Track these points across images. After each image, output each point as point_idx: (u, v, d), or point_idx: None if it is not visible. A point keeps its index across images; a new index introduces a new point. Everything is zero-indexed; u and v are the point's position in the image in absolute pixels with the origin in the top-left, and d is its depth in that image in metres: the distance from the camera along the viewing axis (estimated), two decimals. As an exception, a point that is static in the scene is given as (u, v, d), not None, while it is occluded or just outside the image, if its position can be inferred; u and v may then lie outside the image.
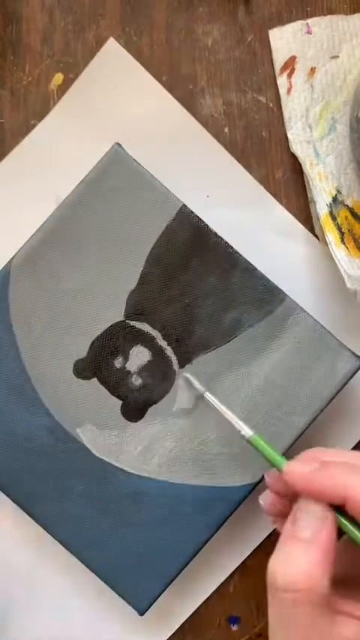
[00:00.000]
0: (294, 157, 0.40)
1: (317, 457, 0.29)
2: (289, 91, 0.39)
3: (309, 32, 0.39)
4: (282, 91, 0.39)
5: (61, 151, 0.40)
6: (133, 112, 0.39)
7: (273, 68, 0.40)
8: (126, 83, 0.39)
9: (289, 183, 0.40)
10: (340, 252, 0.38)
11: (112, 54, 0.39)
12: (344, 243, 0.38)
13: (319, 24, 0.39)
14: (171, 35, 0.40)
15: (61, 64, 0.40)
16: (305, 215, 0.40)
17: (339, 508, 0.28)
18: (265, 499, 0.31)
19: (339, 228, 0.38)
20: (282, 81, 0.39)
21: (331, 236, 0.38)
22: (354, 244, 0.39)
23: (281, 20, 0.40)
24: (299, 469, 0.28)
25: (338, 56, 0.39)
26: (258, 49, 0.40)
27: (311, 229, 0.40)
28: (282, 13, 0.40)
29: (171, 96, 0.39)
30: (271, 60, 0.40)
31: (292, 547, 0.27)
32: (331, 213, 0.38)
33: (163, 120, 0.39)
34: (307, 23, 0.39)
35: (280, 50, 0.39)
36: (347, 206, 0.39)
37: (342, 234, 0.38)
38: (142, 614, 0.36)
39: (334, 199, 0.39)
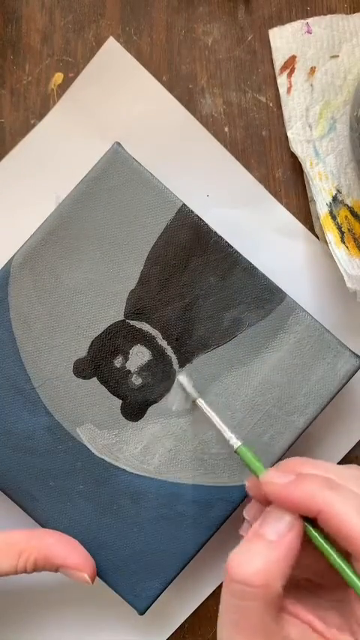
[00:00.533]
0: (294, 157, 0.40)
1: (296, 468, 0.29)
2: (289, 90, 0.39)
3: (309, 32, 0.39)
4: (282, 90, 0.39)
5: (60, 150, 0.40)
6: (133, 112, 0.39)
7: (273, 68, 0.40)
8: (126, 82, 0.39)
9: (289, 183, 0.40)
10: (340, 252, 0.38)
11: (112, 53, 0.39)
12: (344, 243, 0.38)
13: (319, 23, 0.39)
14: (171, 35, 0.40)
15: (61, 63, 0.40)
16: (305, 215, 0.40)
17: (309, 519, 0.28)
18: (249, 512, 0.32)
19: (339, 228, 0.38)
20: (282, 80, 0.39)
21: (331, 235, 0.38)
22: (354, 244, 0.39)
23: (281, 20, 0.40)
24: (276, 480, 0.29)
25: (338, 56, 0.39)
26: (258, 49, 0.40)
27: (311, 229, 0.40)
28: (282, 13, 0.40)
29: (171, 95, 0.39)
30: (271, 59, 0.40)
31: (255, 544, 0.27)
32: (331, 212, 0.38)
33: (163, 119, 0.39)
34: (307, 23, 0.39)
35: (280, 50, 0.39)
36: (347, 205, 0.39)
37: (342, 233, 0.38)
38: (142, 613, 0.36)
39: (334, 199, 0.39)
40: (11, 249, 0.37)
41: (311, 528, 0.28)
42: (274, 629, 0.27)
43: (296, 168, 0.40)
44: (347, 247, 0.38)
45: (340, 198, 0.39)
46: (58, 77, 0.40)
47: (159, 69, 0.40)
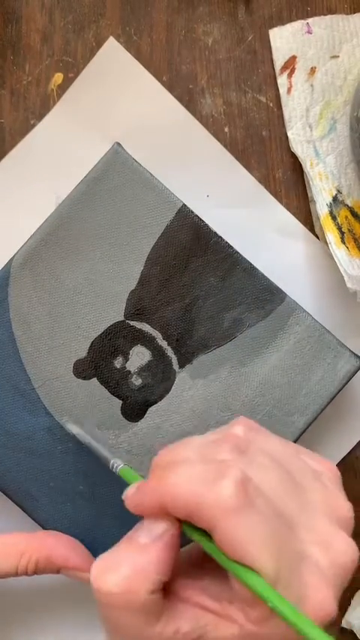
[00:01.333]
0: (294, 157, 0.40)
1: (154, 464, 0.27)
2: (289, 90, 0.39)
3: (309, 32, 0.39)
4: (282, 90, 0.39)
5: (60, 150, 0.40)
6: (133, 112, 0.39)
7: (273, 68, 0.40)
8: (126, 83, 0.39)
9: (289, 183, 0.40)
10: (340, 252, 0.38)
11: (112, 53, 0.39)
12: (344, 243, 0.38)
13: (320, 24, 0.39)
14: (171, 35, 0.40)
15: (61, 63, 0.40)
16: (305, 215, 0.40)
17: None
18: None
19: (339, 228, 0.38)
20: (282, 80, 0.39)
21: (331, 236, 0.38)
22: (354, 244, 0.39)
23: (281, 20, 0.40)
24: (128, 492, 0.27)
25: (338, 56, 0.39)
26: (258, 49, 0.40)
27: (311, 229, 0.40)
28: (282, 13, 0.40)
29: (171, 95, 0.39)
30: (271, 59, 0.40)
31: (119, 551, 0.25)
32: (331, 212, 0.38)
33: (163, 119, 0.39)
34: (308, 23, 0.39)
35: (280, 50, 0.39)
36: (347, 206, 0.39)
37: (342, 233, 0.38)
38: None
39: (335, 199, 0.39)
40: (11, 249, 0.37)
41: (188, 527, 0.26)
42: (155, 632, 0.25)
43: (296, 168, 0.40)
44: (347, 248, 0.38)
45: (341, 199, 0.39)
46: (58, 77, 0.40)
47: (159, 69, 0.40)
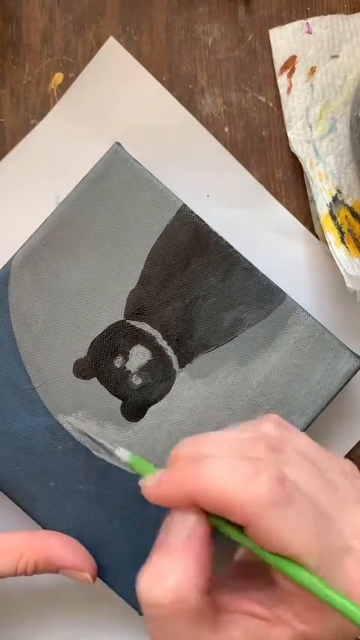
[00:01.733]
0: (294, 157, 0.40)
1: (176, 455, 0.27)
2: (289, 90, 0.39)
3: (309, 32, 0.39)
4: (282, 90, 0.39)
5: (60, 150, 0.40)
6: (132, 112, 0.39)
7: (273, 68, 0.40)
8: (126, 82, 0.39)
9: (289, 183, 0.40)
10: (340, 252, 0.38)
11: (112, 53, 0.39)
12: (344, 243, 0.38)
13: (320, 23, 0.39)
14: (171, 35, 0.40)
15: (61, 63, 0.40)
16: (305, 215, 0.40)
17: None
18: None
19: (339, 228, 0.38)
20: (282, 80, 0.39)
21: (331, 236, 0.38)
22: (354, 244, 0.39)
23: (281, 20, 0.40)
24: (148, 481, 0.27)
25: (338, 56, 0.39)
26: (258, 49, 0.40)
27: (311, 229, 0.40)
28: (282, 13, 0.40)
29: (171, 95, 0.39)
30: (271, 59, 0.40)
31: (162, 558, 0.25)
32: (331, 212, 0.38)
33: (163, 119, 0.39)
34: (308, 23, 0.39)
35: (280, 50, 0.39)
36: (347, 206, 0.39)
37: (342, 233, 0.38)
38: (142, 614, 0.36)
39: (334, 199, 0.39)
40: (11, 249, 0.37)
41: (216, 518, 0.25)
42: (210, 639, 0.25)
43: (296, 168, 0.40)
44: (347, 248, 0.38)
45: (341, 199, 0.39)
46: (58, 77, 0.40)
47: (159, 69, 0.40)
